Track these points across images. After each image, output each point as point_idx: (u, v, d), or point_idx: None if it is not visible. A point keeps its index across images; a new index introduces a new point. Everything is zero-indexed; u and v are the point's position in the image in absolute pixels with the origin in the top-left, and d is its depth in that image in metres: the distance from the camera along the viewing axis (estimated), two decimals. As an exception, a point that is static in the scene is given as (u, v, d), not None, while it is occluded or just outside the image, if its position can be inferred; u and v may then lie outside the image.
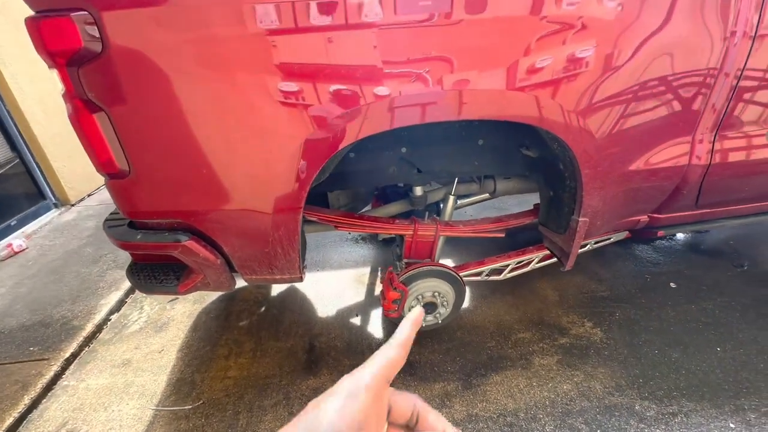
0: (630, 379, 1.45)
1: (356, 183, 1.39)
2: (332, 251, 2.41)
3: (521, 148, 1.30)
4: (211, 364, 1.64)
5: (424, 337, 1.64)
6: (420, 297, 1.35)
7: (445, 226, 1.43)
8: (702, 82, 1.01)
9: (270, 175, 0.96)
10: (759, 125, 1.11)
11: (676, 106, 1.03)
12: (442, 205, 1.61)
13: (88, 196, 3.53)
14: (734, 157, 1.13)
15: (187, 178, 0.97)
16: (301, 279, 1.14)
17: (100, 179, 1.53)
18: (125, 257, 2.41)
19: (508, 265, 1.58)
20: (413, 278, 1.33)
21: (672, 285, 1.95)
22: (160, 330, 1.86)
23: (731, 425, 1.28)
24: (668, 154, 1.10)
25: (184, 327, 1.87)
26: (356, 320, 1.82)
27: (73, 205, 3.33)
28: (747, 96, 1.05)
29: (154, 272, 1.12)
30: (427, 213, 1.61)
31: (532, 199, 1.61)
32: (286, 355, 1.66)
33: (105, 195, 3.53)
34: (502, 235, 1.49)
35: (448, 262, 2.13)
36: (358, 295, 2.00)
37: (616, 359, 1.54)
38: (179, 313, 1.97)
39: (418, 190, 1.46)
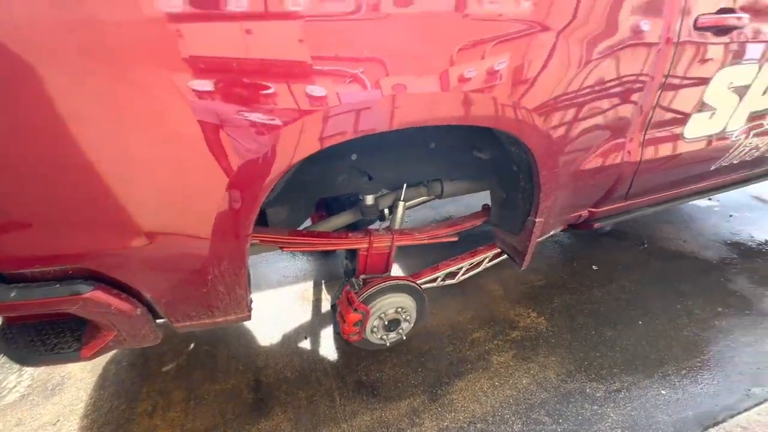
0: (577, 363, 1.55)
1: (302, 196, 1.23)
2: (268, 268, 2.18)
3: (474, 151, 1.27)
4: (131, 426, 1.33)
5: (383, 353, 1.55)
6: (383, 315, 1.25)
7: (400, 236, 1.35)
8: (636, 86, 1.08)
9: (203, 197, 0.77)
10: (676, 124, 1.23)
11: (618, 107, 1.09)
12: (390, 213, 1.52)
13: None
14: (658, 153, 1.24)
15: (80, 207, 0.72)
16: (248, 317, 0.95)
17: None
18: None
19: (461, 268, 1.56)
20: (374, 296, 1.23)
21: (594, 267, 2.15)
22: (51, 394, 1.46)
23: (663, 392, 1.43)
24: (610, 153, 1.17)
25: (87, 385, 1.50)
26: (306, 343, 1.65)
27: None
28: (668, 98, 1.15)
29: (41, 335, 0.83)
30: (377, 222, 1.51)
31: (467, 199, 1.62)
32: (228, 398, 1.43)
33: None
34: (456, 238, 1.46)
35: (399, 273, 2.06)
36: (305, 314, 1.82)
37: (562, 345, 1.64)
38: (77, 368, 1.57)
39: (369, 199, 1.35)
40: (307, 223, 1.57)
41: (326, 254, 2.16)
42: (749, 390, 1.44)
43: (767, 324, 1.73)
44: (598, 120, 1.07)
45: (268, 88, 0.70)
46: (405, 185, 1.46)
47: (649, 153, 1.23)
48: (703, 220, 2.69)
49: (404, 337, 1.36)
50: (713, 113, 1.27)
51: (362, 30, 0.75)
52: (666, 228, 2.56)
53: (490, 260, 1.61)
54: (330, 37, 0.74)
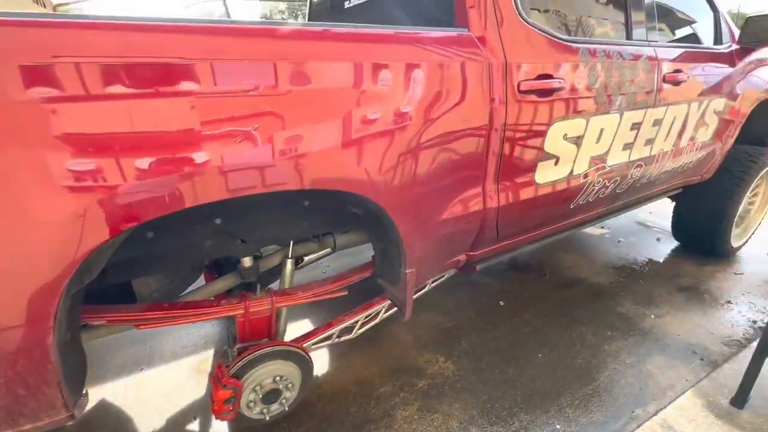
0: (480, 407, 1.54)
1: (163, 265, 1.16)
2: (164, 339, 1.98)
3: (348, 206, 1.30)
4: None
5: (280, 423, 1.43)
6: (258, 387, 1.17)
7: (282, 297, 1.30)
8: (479, 141, 1.20)
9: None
10: (527, 171, 1.37)
11: (465, 160, 1.19)
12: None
13: None
14: (515, 197, 1.36)
15: None
16: (70, 418, 0.82)
17: None
18: None
19: (357, 321, 1.53)
20: (247, 367, 1.15)
21: (501, 303, 2.23)
22: None
23: (558, 426, 1.46)
24: (468, 202, 1.25)
25: None
26: (195, 425, 1.48)
27: None
28: (513, 150, 1.28)
29: None
30: (258, 284, 1.45)
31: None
32: None
33: None
34: (346, 292, 1.45)
35: (296, 330, 1.98)
36: (198, 389, 1.66)
37: (467, 389, 1.63)
38: None
39: (247, 261, 1.31)
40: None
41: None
42: (633, 412, 1.52)
43: (648, 343, 1.88)
44: (447, 173, 1.15)
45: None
46: (291, 242, 1.43)
47: (507, 198, 1.34)
48: (596, 247, 2.95)
49: (287, 408, 1.27)
50: (557, 160, 1.43)
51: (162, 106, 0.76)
52: (565, 257, 2.76)
53: (387, 310, 1.60)
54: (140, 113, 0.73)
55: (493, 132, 1.21)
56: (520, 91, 1.21)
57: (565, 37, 1.35)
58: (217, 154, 0.82)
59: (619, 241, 3.06)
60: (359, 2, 1.72)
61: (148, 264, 1.12)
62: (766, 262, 2.65)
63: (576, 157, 1.49)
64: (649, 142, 1.78)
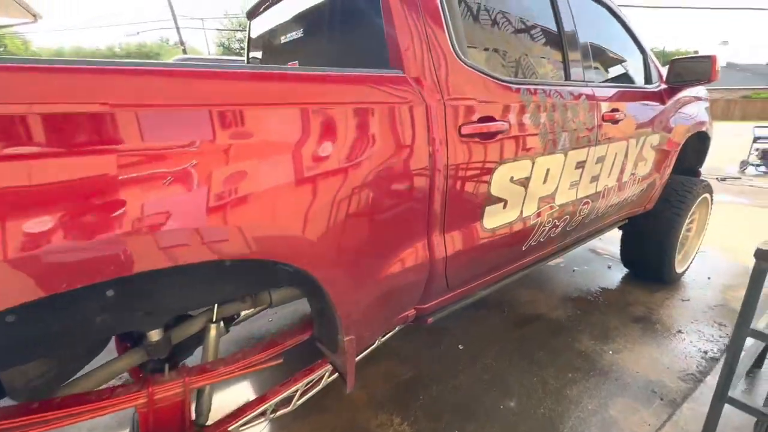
0: (439, 479, 1.38)
1: (36, 352, 0.92)
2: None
3: (277, 264, 1.13)
4: None
5: None
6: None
7: (198, 376, 1.09)
8: (418, 190, 1.09)
9: None
10: (474, 218, 1.28)
11: (405, 211, 1.08)
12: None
13: None
14: (463, 245, 1.26)
15: None
16: None
17: None
18: None
19: (296, 390, 1.34)
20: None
21: (460, 347, 2.11)
22: None
23: (523, 496, 1.32)
24: (412, 255, 1.14)
25: None
26: None
27: None
28: (457, 196, 1.19)
29: None
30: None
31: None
32: None
33: None
34: (280, 360, 1.25)
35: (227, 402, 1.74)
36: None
37: (425, 457, 1.46)
38: None
39: (154, 335, 1.09)
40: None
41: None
42: (599, 469, 1.41)
43: (608, 384, 1.82)
44: (384, 227, 1.04)
45: None
46: (216, 305, 1.23)
47: (455, 247, 1.24)
48: (553, 279, 2.95)
49: None
50: (505, 203, 1.36)
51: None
52: (523, 292, 2.72)
53: (331, 374, 1.42)
54: None
55: (435, 179, 1.11)
56: (461, 135, 1.14)
57: (506, 78, 1.31)
58: (102, 226, 0.65)
59: (573, 270, 3.08)
60: (293, 38, 1.62)
61: (12, 353, 0.88)
62: (708, 288, 2.75)
63: (524, 199, 1.44)
64: (595, 179, 1.79)
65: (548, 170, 1.49)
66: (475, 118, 1.17)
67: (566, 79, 1.61)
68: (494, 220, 1.35)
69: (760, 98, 27.45)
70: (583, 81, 1.66)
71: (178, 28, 17.37)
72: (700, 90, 2.63)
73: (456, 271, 1.29)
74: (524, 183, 1.40)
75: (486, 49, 1.37)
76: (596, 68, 1.86)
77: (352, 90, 0.99)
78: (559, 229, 1.70)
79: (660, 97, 2.16)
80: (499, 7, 1.43)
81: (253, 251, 0.82)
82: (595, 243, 3.58)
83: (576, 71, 1.63)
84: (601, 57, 2.01)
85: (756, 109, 26.19)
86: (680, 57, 2.12)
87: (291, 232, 0.87)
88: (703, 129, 2.63)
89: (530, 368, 1.92)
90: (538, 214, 1.53)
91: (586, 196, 1.77)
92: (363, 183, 0.97)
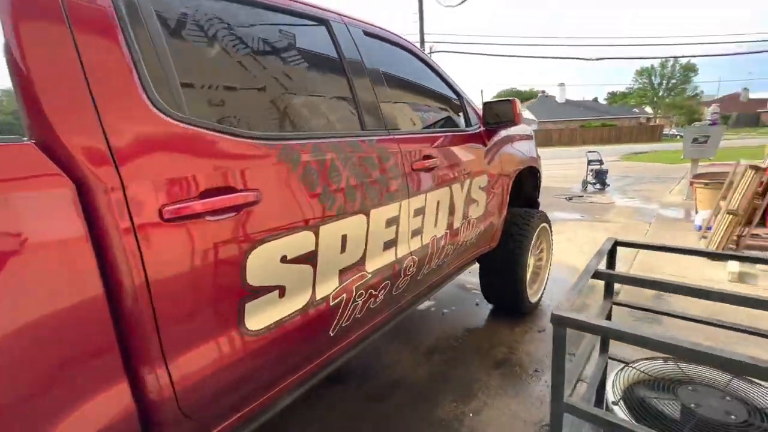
0: None
1: None
2: None
3: None
4: None
5: None
6: None
7: None
8: (93, 310, 0.71)
9: None
10: (220, 323, 0.93)
11: (72, 347, 0.68)
12: None
13: None
14: (205, 365, 0.90)
15: None
16: None
17: None
18: None
19: None
20: None
21: (302, 450, 1.70)
22: None
23: None
24: (97, 405, 0.73)
25: None
26: None
27: None
28: (174, 305, 0.84)
29: None
30: None
31: None
32: None
33: None
34: None
35: None
36: None
37: None
38: None
39: None
40: None
41: None
42: None
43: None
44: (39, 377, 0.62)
45: None
46: None
47: (189, 370, 0.87)
48: (422, 325, 2.77)
49: None
50: (282, 291, 1.06)
51: None
52: (388, 349, 2.46)
53: None
54: None
55: (122, 288, 0.75)
56: (165, 220, 0.80)
57: (256, 133, 1.03)
58: None
59: (443, 313, 2.96)
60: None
61: None
62: (560, 312, 2.85)
63: (315, 278, 1.15)
64: (418, 232, 1.62)
65: (345, 236, 1.24)
66: (192, 194, 0.85)
67: (362, 129, 1.43)
68: (266, 316, 1.03)
69: (591, 127, 34.37)
70: (384, 129, 1.51)
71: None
72: (525, 128, 2.82)
73: (204, 402, 0.91)
74: (309, 258, 1.12)
75: (219, 101, 1.08)
76: (404, 116, 1.76)
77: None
78: (382, 296, 1.46)
79: (480, 138, 2.19)
80: (250, 39, 1.14)
81: None
82: (464, 276, 3.57)
83: (371, 120, 1.47)
84: (411, 104, 1.94)
85: (591, 135, 32.76)
86: (490, 101, 2.19)
87: None
88: (533, 164, 2.79)
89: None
90: (343, 290, 1.26)
91: (410, 253, 1.58)
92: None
